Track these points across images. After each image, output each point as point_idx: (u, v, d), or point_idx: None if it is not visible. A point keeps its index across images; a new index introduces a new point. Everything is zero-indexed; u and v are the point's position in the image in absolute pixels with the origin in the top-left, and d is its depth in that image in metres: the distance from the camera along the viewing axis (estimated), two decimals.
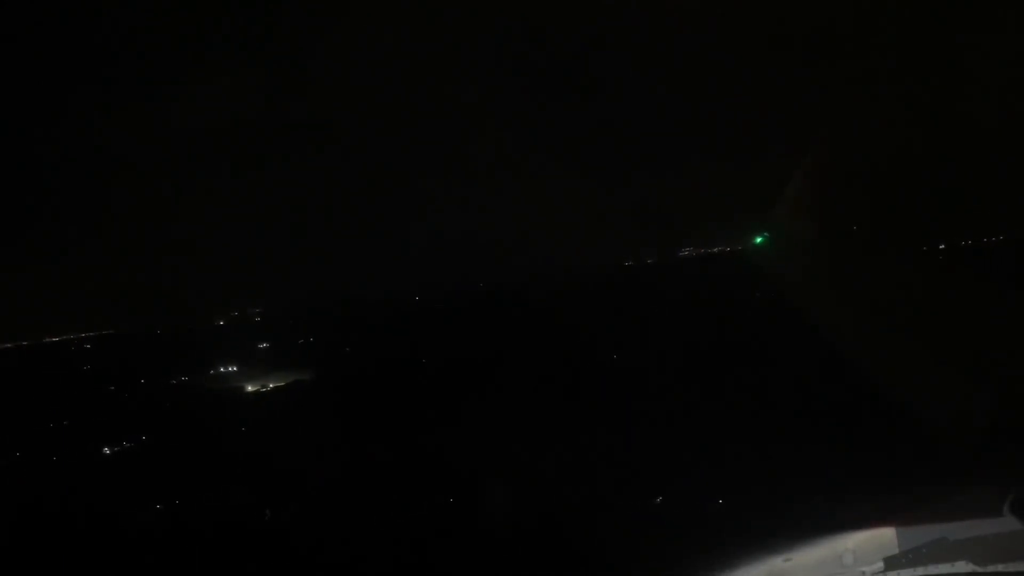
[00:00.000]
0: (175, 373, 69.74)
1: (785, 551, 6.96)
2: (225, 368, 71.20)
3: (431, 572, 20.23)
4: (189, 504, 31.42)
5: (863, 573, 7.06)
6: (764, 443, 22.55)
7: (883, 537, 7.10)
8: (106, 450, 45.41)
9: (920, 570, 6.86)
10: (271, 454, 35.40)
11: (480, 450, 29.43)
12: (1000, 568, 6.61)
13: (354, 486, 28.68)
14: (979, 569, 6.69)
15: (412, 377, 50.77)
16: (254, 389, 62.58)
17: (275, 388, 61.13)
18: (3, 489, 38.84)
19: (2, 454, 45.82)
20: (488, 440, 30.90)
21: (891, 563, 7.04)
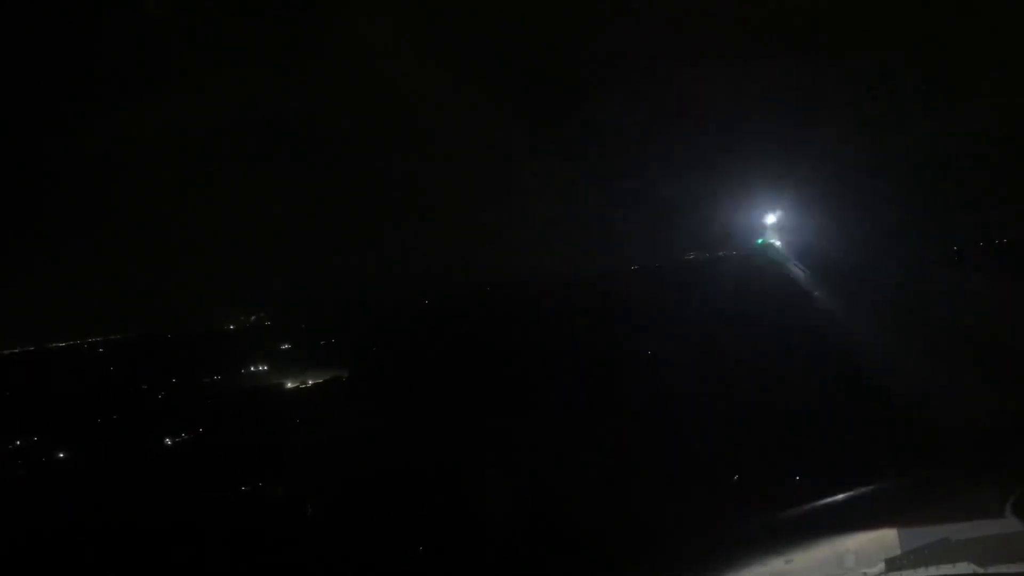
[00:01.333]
0: (206, 373, 70.50)
1: (785, 552, 6.89)
2: (256, 367, 72.04)
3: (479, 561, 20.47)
4: (259, 492, 32.77)
5: (865, 574, 7.00)
6: (764, 442, 22.55)
7: (885, 538, 7.04)
8: (167, 441, 47.43)
9: (922, 571, 6.80)
10: (327, 445, 36.60)
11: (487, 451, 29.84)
12: (1003, 569, 6.55)
13: (413, 476, 29.34)
14: (981, 570, 6.62)
15: (447, 374, 51.40)
16: (294, 386, 63.61)
17: (315, 385, 61.98)
18: (70, 480, 40.14)
19: (62, 447, 47.32)
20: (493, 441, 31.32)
21: (893, 564, 6.98)
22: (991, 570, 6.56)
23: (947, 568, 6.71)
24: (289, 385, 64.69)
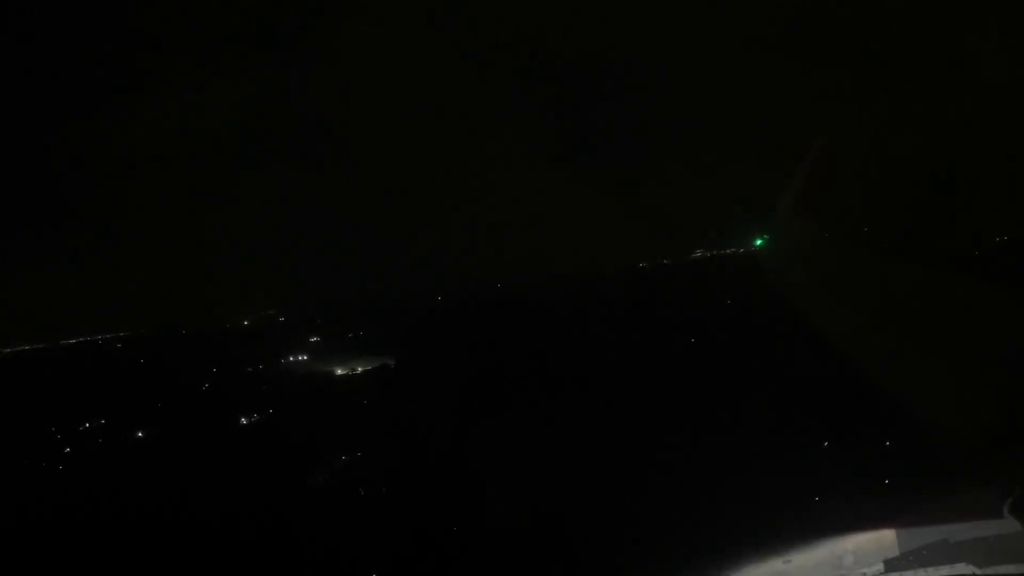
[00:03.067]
0: (246, 363, 70.72)
1: (785, 553, 6.93)
2: (296, 357, 72.23)
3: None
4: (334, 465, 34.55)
5: (863, 575, 7.03)
6: (765, 445, 22.52)
7: (883, 539, 7.07)
8: (243, 420, 49.11)
9: (920, 572, 6.83)
10: (402, 423, 38.48)
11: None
12: (1000, 570, 6.58)
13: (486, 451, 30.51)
14: (979, 571, 6.66)
15: (491, 361, 52.46)
16: (344, 372, 64.22)
17: (365, 372, 62.52)
18: (165, 453, 42.69)
19: (142, 426, 49.63)
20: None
21: (891, 565, 7.01)
22: (989, 571, 6.59)
23: (945, 569, 6.74)
24: (336, 373, 65.60)
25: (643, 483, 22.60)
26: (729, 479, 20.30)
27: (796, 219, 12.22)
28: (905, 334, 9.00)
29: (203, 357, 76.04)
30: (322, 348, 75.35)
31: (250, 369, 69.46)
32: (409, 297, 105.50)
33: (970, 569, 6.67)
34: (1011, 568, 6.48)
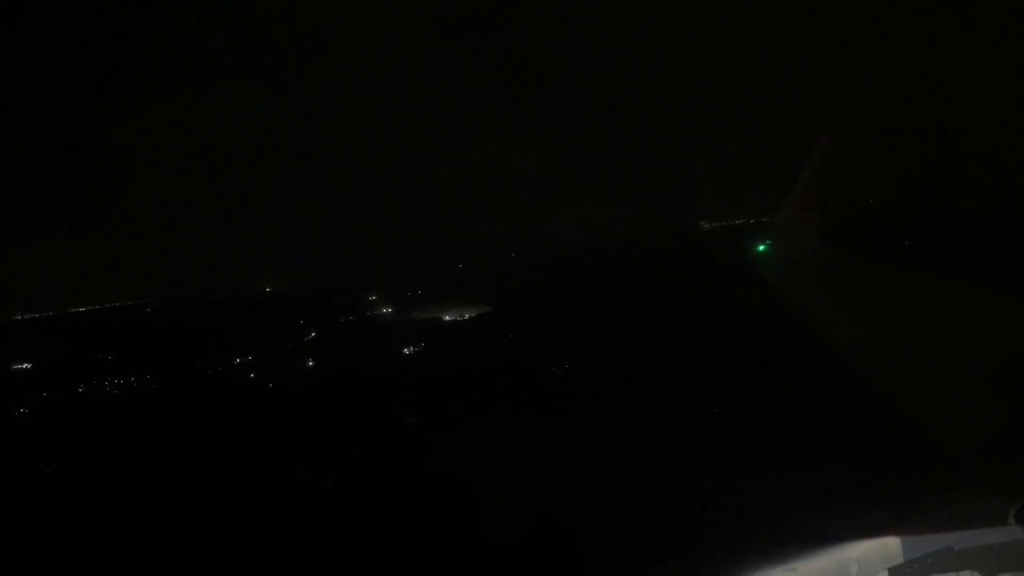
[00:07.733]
0: (330, 316, 74.08)
1: (789, 561, 6.86)
2: (381, 310, 76.58)
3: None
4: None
5: None
6: (767, 451, 22.47)
7: (888, 547, 7.00)
8: (405, 351, 56.50)
9: None
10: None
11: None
12: None
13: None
14: None
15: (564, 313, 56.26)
16: (452, 319, 68.47)
17: (472, 318, 66.45)
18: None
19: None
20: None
21: (896, 573, 6.94)
22: None
23: None
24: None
25: (641, 488, 22.56)
26: (730, 486, 20.24)
27: (797, 225, 12.21)
28: (907, 340, 8.95)
29: (270, 315, 79.99)
30: (397, 303, 79.02)
31: (341, 320, 73.65)
32: (428, 265, 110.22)
33: None
34: None
